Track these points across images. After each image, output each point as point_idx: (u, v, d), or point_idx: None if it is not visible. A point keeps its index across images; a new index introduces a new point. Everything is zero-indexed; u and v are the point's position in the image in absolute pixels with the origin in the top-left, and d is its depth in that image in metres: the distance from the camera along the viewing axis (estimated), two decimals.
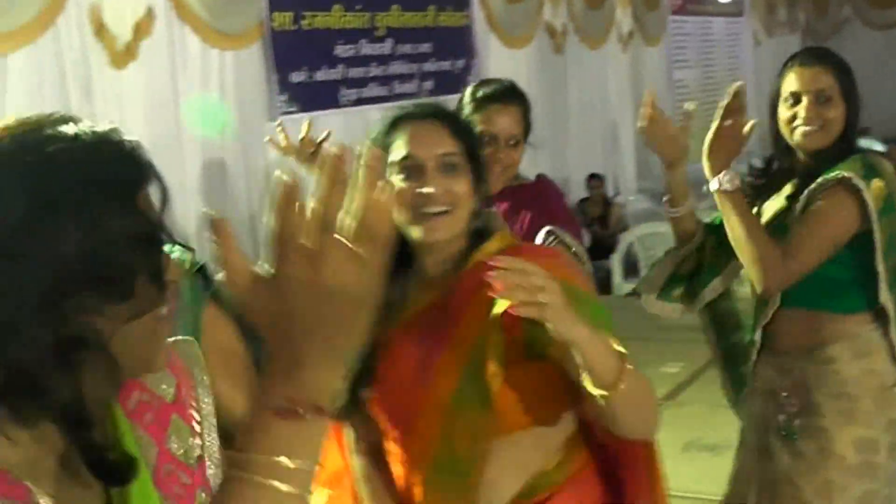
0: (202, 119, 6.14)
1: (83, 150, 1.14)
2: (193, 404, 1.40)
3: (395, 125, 2.20)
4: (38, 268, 1.08)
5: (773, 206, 3.09)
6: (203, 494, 1.35)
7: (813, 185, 2.91)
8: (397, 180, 2.13)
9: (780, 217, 3.04)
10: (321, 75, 7.08)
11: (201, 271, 2.14)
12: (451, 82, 8.15)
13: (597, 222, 9.66)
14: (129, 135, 1.26)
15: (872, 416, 2.96)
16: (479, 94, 3.14)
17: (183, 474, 1.36)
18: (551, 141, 9.47)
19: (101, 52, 5.75)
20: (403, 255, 2.17)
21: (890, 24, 16.97)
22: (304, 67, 6.95)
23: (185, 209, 5.84)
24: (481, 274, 1.92)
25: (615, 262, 8.98)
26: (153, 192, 1.18)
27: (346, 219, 0.99)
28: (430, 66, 8.04)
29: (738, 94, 2.77)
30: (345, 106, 7.24)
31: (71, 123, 1.17)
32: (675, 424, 5.18)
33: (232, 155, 6.67)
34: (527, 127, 3.13)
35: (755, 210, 3.06)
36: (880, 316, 2.97)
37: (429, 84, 7.97)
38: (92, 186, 1.12)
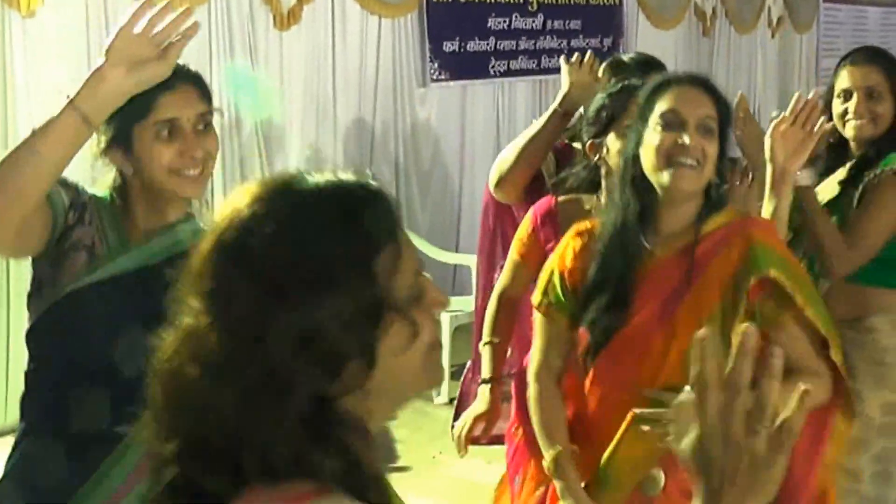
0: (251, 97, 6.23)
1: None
2: None
3: (665, 85, 2.42)
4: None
5: (826, 188, 3.26)
6: None
7: (869, 176, 3.14)
8: (657, 130, 2.36)
9: (835, 200, 3.23)
10: (473, 46, 7.26)
11: None
12: (600, 59, 8.25)
13: None
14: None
15: None
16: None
17: None
18: None
19: (267, 14, 6.04)
20: (644, 209, 2.40)
21: None
22: (457, 38, 7.13)
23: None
24: (718, 238, 2.34)
25: None
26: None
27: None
28: (578, 43, 8.12)
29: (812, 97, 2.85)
30: (494, 77, 7.42)
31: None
32: None
33: (382, 118, 6.92)
34: None
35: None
36: None
37: None
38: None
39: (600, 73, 3.34)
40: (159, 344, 1.13)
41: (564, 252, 2.50)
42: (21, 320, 3.23)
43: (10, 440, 2.25)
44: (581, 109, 3.08)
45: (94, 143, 2.10)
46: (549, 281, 2.50)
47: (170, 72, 1.99)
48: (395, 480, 1.26)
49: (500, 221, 3.50)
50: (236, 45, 5.95)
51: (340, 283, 1.09)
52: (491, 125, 7.56)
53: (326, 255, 1.10)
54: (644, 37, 8.95)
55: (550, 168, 3.23)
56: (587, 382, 2.45)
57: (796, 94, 2.76)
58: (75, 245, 2.11)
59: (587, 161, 2.85)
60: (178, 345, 1.11)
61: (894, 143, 3.22)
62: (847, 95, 3.28)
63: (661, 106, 2.38)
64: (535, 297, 2.54)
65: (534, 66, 7.74)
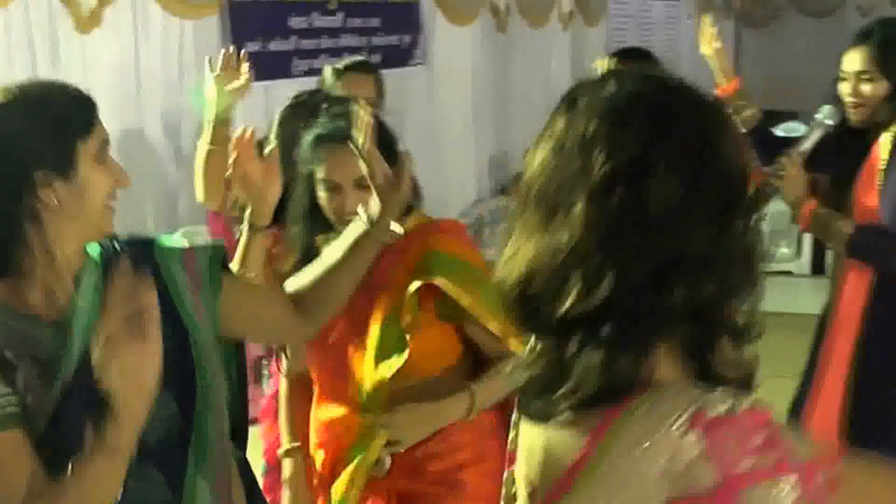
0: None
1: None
2: None
3: (318, 144, 2.73)
4: None
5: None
6: None
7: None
8: (321, 189, 2.69)
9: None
10: (275, 46, 7.35)
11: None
12: (399, 56, 8.46)
13: None
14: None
15: None
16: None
17: None
18: (494, 118, 9.84)
19: (67, 18, 6.01)
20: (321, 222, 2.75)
21: (825, 11, 17.47)
22: (259, 38, 7.21)
23: (143, 169, 6.14)
24: (399, 246, 2.53)
25: None
26: None
27: None
28: (378, 40, 8.32)
29: None
30: (297, 76, 7.51)
31: None
32: None
33: (190, 118, 6.95)
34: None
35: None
36: None
37: (377, 57, 8.27)
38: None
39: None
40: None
41: None
42: None
43: None
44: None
45: None
46: None
47: None
48: None
49: None
50: (38, 51, 5.91)
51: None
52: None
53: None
54: (442, 33, 9.18)
55: None
56: (316, 389, 2.87)
57: None
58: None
59: None
60: None
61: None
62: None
63: (320, 171, 2.70)
64: None
65: (336, 64, 7.88)
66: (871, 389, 3.26)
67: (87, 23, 6.05)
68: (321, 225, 2.71)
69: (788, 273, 9.71)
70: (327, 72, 4.12)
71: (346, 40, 8.02)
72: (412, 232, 2.63)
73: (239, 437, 2.26)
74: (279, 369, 3.04)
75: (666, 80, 1.33)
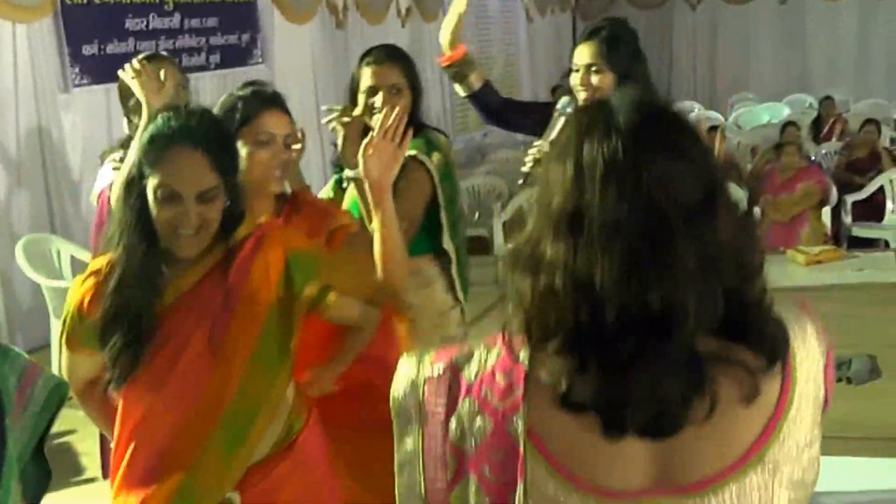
0: None
1: None
2: None
3: (160, 150, 2.37)
4: None
5: None
6: None
7: None
8: (155, 201, 2.34)
9: None
10: (112, 48, 7.32)
11: None
12: (238, 56, 8.50)
13: None
14: None
15: (429, 334, 3.52)
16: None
17: None
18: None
19: None
20: (152, 234, 2.38)
21: (653, 4, 18.07)
22: (95, 41, 7.16)
23: None
24: (245, 253, 2.41)
25: (497, 226, 8.81)
26: None
27: None
28: (217, 40, 8.34)
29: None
30: None
31: None
32: None
33: (26, 127, 6.85)
34: None
35: None
36: (441, 256, 3.58)
37: (216, 57, 8.29)
38: None
39: None
40: None
41: (81, 295, 2.46)
42: None
43: None
44: None
45: None
46: (72, 319, 2.48)
47: None
48: None
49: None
50: None
51: None
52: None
53: None
54: (281, 31, 9.25)
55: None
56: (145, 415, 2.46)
57: (385, 111, 2.84)
58: None
59: None
60: None
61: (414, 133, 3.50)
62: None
63: (154, 180, 2.34)
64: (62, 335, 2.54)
65: None
66: None
67: None
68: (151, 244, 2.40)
69: None
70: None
71: (185, 41, 8.02)
72: (250, 236, 2.46)
73: None
74: None
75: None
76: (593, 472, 1.36)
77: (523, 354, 1.39)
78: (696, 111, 13.73)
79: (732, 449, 1.33)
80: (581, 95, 3.59)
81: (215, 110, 2.84)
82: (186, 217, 2.32)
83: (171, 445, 2.40)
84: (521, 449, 1.37)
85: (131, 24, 7.46)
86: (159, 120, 2.41)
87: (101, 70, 7.13)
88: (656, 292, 1.27)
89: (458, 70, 3.81)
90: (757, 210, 8.53)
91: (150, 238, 2.38)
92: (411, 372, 1.48)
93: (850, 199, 8.74)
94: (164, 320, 2.39)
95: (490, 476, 1.41)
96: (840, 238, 8.33)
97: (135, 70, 3.50)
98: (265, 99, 2.90)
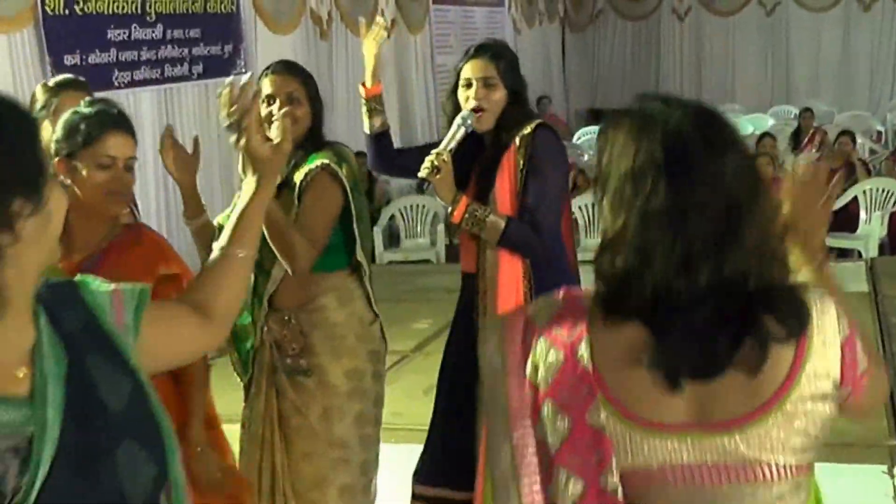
0: None
1: None
2: None
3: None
4: None
5: None
6: None
7: (302, 175, 3.47)
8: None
9: None
10: (94, 58, 7.33)
11: None
12: (220, 66, 8.54)
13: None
14: None
15: (356, 349, 3.57)
16: None
17: None
18: None
19: None
20: None
21: (641, 15, 18.20)
22: (77, 51, 7.18)
23: None
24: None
25: (377, 234, 9.61)
26: None
27: None
28: (199, 51, 8.38)
29: None
30: (118, 88, 7.52)
31: None
32: (421, 371, 5.95)
33: None
34: None
35: None
36: (357, 270, 3.59)
37: (198, 68, 8.34)
38: None
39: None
40: None
41: None
42: None
43: None
44: None
45: None
46: None
47: None
48: None
49: None
50: None
51: None
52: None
53: None
54: (264, 43, 9.30)
55: None
56: None
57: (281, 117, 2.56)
58: None
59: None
60: None
61: (318, 146, 3.54)
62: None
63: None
64: None
65: (157, 75, 7.92)
66: None
67: None
68: None
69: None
70: (38, 90, 4.13)
71: (167, 51, 8.06)
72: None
73: None
74: None
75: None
76: (643, 408, 1.69)
77: (586, 300, 1.76)
78: None
79: (758, 397, 1.65)
80: (470, 108, 3.62)
81: (57, 128, 2.89)
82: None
83: None
84: (590, 367, 1.70)
85: (113, 34, 7.49)
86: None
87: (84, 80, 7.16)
88: (731, 264, 1.62)
89: (375, 107, 3.90)
90: None
91: None
92: (493, 336, 1.80)
93: None
94: None
95: (568, 398, 1.71)
96: None
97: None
98: (110, 120, 2.88)
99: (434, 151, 3.53)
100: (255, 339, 3.60)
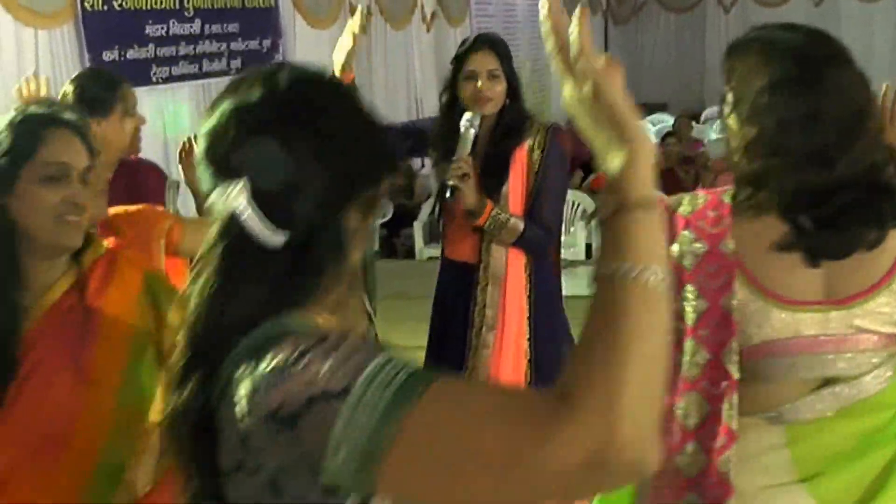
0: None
1: None
2: None
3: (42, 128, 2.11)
4: None
5: None
6: None
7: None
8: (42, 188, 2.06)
9: None
10: (132, 54, 7.35)
11: None
12: (259, 61, 8.51)
13: (402, 192, 10.23)
14: None
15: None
16: None
17: None
18: None
19: None
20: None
21: (685, 7, 18.01)
22: (116, 46, 7.20)
23: None
24: (101, 274, 2.13)
25: (417, 230, 9.60)
26: None
27: None
28: (238, 46, 8.37)
29: None
30: (156, 84, 7.55)
31: None
32: None
33: None
34: None
35: None
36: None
37: (237, 63, 8.35)
38: None
39: None
40: None
41: None
42: None
43: None
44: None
45: None
46: None
47: None
48: None
49: None
50: None
51: None
52: (158, 131, 7.69)
53: None
54: (302, 37, 9.27)
55: None
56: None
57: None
58: None
59: None
60: None
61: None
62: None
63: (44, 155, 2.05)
64: None
65: (196, 70, 7.93)
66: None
67: None
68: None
69: None
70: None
71: (205, 46, 8.07)
72: (104, 257, 2.20)
73: None
74: None
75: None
76: (782, 287, 2.02)
77: (727, 198, 2.09)
78: None
79: (872, 277, 2.01)
80: (479, 100, 3.68)
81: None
82: (77, 206, 2.06)
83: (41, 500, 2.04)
84: (734, 257, 2.03)
85: (151, 30, 7.50)
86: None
87: (122, 75, 7.18)
88: (859, 157, 1.94)
89: None
90: None
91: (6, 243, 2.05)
92: None
93: None
94: (26, 349, 2.05)
95: (706, 283, 2.04)
96: None
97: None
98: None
99: (456, 158, 3.54)
100: None
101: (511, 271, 3.71)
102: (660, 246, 1.16)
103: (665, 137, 10.57)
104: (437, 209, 3.92)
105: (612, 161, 1.19)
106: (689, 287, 2.06)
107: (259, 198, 1.28)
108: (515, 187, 3.64)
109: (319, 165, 1.31)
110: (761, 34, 2.08)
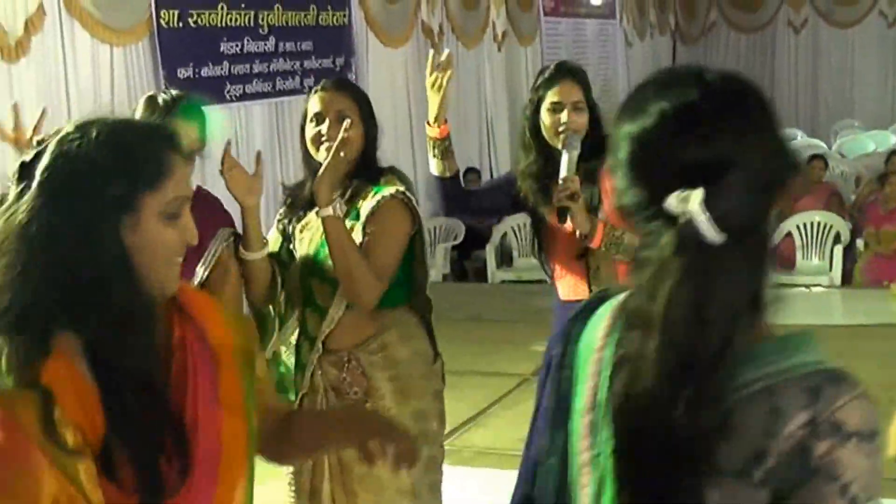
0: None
1: None
2: None
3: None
4: None
5: None
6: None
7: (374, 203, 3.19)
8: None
9: None
10: (207, 71, 7.36)
11: None
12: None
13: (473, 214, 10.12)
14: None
15: (422, 389, 3.29)
16: None
17: None
18: None
19: None
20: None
21: (755, 27, 17.78)
22: (191, 64, 7.21)
23: None
24: (183, 306, 1.81)
25: (489, 252, 9.45)
26: None
27: None
28: (311, 64, 8.36)
29: None
30: (230, 101, 7.54)
31: None
32: None
33: None
34: None
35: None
36: (415, 306, 3.33)
37: (310, 81, 8.30)
38: None
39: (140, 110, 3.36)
40: None
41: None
42: None
43: None
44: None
45: None
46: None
47: None
48: None
49: None
50: None
51: None
52: (230, 149, 7.66)
53: None
54: (375, 55, 9.26)
55: None
56: None
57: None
58: None
59: None
60: None
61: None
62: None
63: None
64: None
65: (269, 88, 7.92)
66: None
67: (14, 52, 6.03)
68: None
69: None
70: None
71: (279, 64, 8.05)
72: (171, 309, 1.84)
73: None
74: None
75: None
76: None
77: None
78: (798, 138, 13.43)
79: None
80: (564, 133, 3.51)
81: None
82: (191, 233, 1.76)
83: None
84: None
85: (226, 47, 7.51)
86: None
87: (196, 93, 7.16)
88: None
89: (447, 147, 3.73)
90: (859, 242, 8.28)
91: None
92: None
93: None
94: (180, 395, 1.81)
95: None
96: None
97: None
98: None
99: (564, 178, 3.40)
100: (303, 385, 3.30)
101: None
102: None
103: None
104: (536, 246, 3.78)
105: None
106: None
107: (710, 201, 1.29)
108: (611, 211, 3.50)
109: (760, 160, 1.33)
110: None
